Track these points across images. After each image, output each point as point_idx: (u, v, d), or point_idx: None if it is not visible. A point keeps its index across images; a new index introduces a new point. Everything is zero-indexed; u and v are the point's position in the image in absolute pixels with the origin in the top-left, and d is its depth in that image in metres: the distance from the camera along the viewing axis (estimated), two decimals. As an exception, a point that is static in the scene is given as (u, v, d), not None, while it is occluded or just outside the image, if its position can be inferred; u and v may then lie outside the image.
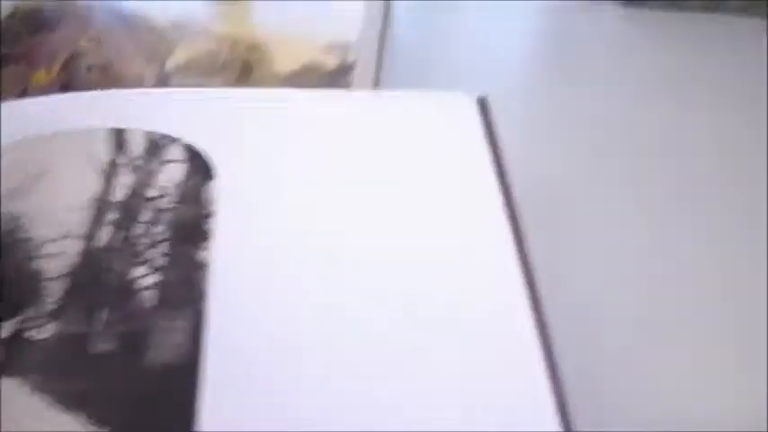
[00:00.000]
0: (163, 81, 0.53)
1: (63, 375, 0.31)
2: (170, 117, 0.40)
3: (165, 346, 0.32)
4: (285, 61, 0.53)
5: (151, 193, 0.37)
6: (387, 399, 0.31)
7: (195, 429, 0.29)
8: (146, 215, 0.36)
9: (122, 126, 0.40)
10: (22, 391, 0.31)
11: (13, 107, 0.43)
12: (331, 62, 0.53)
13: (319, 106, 0.42)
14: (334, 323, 0.33)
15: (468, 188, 0.38)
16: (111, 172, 0.38)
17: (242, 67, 0.54)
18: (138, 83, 0.54)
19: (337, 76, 0.52)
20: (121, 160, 0.39)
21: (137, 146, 0.39)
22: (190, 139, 0.39)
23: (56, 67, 0.56)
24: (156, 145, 0.39)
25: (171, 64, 0.56)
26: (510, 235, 0.36)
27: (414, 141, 0.40)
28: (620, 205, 0.45)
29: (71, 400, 0.30)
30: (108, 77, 0.55)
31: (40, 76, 0.54)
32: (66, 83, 0.54)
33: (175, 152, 0.39)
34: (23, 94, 0.53)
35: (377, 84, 0.52)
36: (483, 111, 0.42)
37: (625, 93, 0.52)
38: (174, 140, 0.39)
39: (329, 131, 0.41)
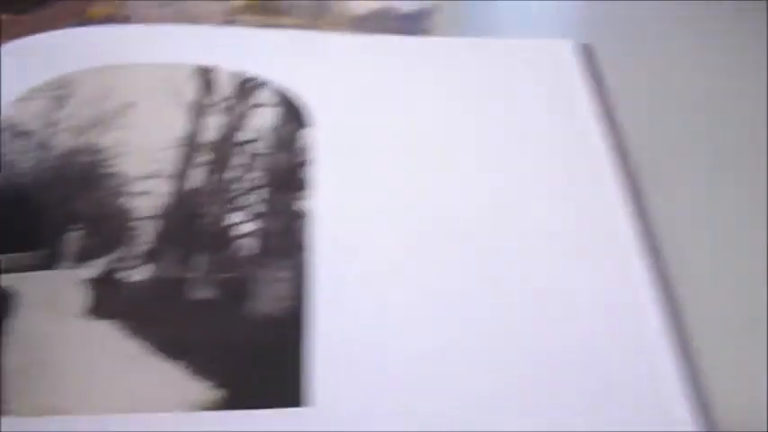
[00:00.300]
0: (229, 20, 0.51)
1: (162, 321, 0.29)
2: (260, 57, 0.38)
3: (267, 297, 0.30)
4: (359, 3, 0.51)
5: (243, 136, 0.35)
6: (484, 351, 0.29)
7: (305, 383, 0.28)
8: (239, 159, 0.34)
9: (208, 63, 0.38)
10: (118, 335, 0.29)
11: (83, 34, 0.40)
12: (406, 6, 0.51)
13: (416, 53, 0.40)
14: (439, 275, 0.31)
15: (578, 139, 0.36)
16: (199, 111, 0.36)
17: (315, 8, 0.52)
18: (201, 20, 0.51)
19: (413, 20, 0.50)
20: (209, 100, 0.36)
21: (224, 86, 0.37)
22: (281, 82, 0.37)
23: (115, 1, 0.53)
24: (246, 86, 0.37)
25: (238, 2, 0.53)
26: (626, 196, 0.34)
27: (519, 90, 0.38)
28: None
29: (171, 348, 0.28)
30: (169, 14, 0.52)
31: (98, 9, 0.52)
32: (126, 17, 0.52)
33: (267, 95, 0.37)
34: (82, 26, 0.51)
35: (455, 29, 0.50)
36: (588, 58, 0.40)
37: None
38: (264, 83, 0.37)
39: (429, 80, 0.38)
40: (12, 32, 0.43)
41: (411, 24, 0.51)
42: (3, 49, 0.39)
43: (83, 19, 0.51)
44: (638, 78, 0.42)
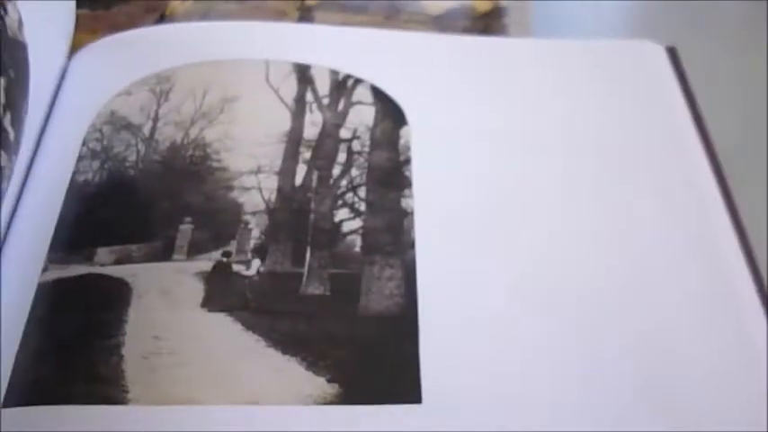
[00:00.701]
0: (304, 16, 0.52)
1: (276, 315, 0.30)
2: (352, 56, 0.38)
3: (377, 295, 0.30)
4: (433, 3, 0.52)
5: (343, 134, 0.36)
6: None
7: (415, 380, 0.28)
8: (341, 157, 0.35)
9: (303, 61, 0.38)
10: (233, 327, 0.29)
11: (179, 30, 0.41)
12: (483, 5, 0.51)
13: (499, 53, 0.40)
14: (539, 266, 0.32)
15: (670, 140, 0.36)
16: (299, 108, 0.36)
17: (390, 6, 0.52)
18: (277, 17, 0.52)
19: (490, 19, 0.50)
20: (309, 97, 0.37)
21: (323, 83, 0.37)
22: (375, 81, 0.38)
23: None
24: (343, 85, 0.37)
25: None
26: (718, 192, 0.34)
27: (607, 91, 0.38)
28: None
29: (287, 342, 0.29)
30: (245, 10, 0.53)
31: (176, 5, 0.52)
32: (203, 13, 0.52)
33: (363, 94, 0.37)
34: (160, 21, 0.51)
35: (530, 29, 0.50)
36: (674, 60, 0.40)
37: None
38: (360, 81, 0.37)
39: (519, 80, 0.39)
40: (88, 28, 0.44)
41: (485, 23, 0.51)
42: (101, 43, 0.40)
43: (161, 15, 0.52)
44: (715, 78, 0.42)
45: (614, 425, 0.27)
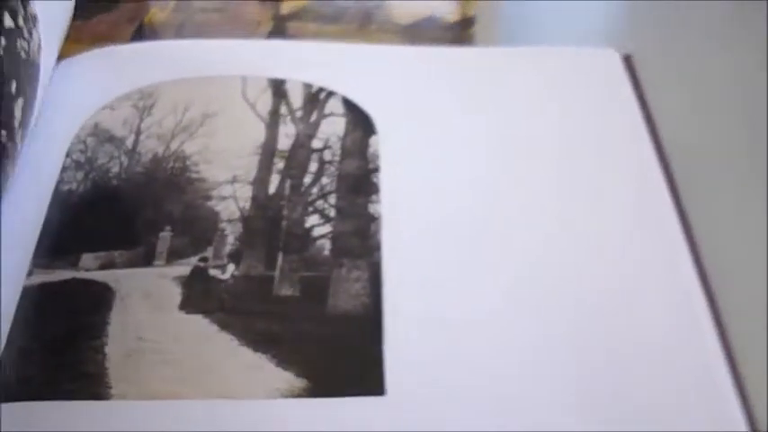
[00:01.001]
0: (279, 26, 0.54)
1: (250, 316, 0.32)
2: (325, 70, 0.41)
3: (344, 295, 0.33)
4: (404, 12, 0.53)
5: (315, 144, 0.38)
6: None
7: (379, 374, 0.30)
8: (312, 166, 0.37)
9: (278, 76, 0.40)
10: (210, 328, 0.31)
11: (161, 47, 0.43)
12: (452, 15, 0.53)
13: (466, 63, 0.42)
14: (503, 270, 0.34)
15: (625, 148, 0.38)
16: (274, 121, 0.39)
17: (362, 16, 0.54)
18: (252, 26, 0.54)
19: (457, 30, 0.52)
20: (283, 110, 0.39)
21: (296, 97, 0.40)
22: (346, 93, 0.40)
23: (169, 7, 0.56)
24: (315, 97, 0.40)
25: (286, 9, 0.56)
26: (673, 205, 0.36)
27: (567, 98, 0.40)
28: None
29: (259, 341, 0.31)
30: (222, 19, 0.55)
31: (155, 13, 0.54)
32: (181, 23, 0.54)
33: (335, 106, 0.39)
34: (139, 30, 0.53)
35: (495, 38, 0.52)
36: (629, 67, 0.42)
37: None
38: (332, 94, 0.40)
39: (478, 88, 0.41)
40: (71, 38, 0.46)
41: (454, 33, 0.53)
42: (86, 56, 0.42)
43: (140, 22, 0.54)
44: (670, 84, 0.44)
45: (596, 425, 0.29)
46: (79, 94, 0.40)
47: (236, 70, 0.41)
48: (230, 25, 0.54)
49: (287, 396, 0.30)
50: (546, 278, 0.33)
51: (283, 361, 0.31)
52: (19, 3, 0.35)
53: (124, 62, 0.41)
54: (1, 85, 0.32)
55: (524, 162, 0.38)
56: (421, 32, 0.53)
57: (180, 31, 0.51)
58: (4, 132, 0.32)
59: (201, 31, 0.50)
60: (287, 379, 0.30)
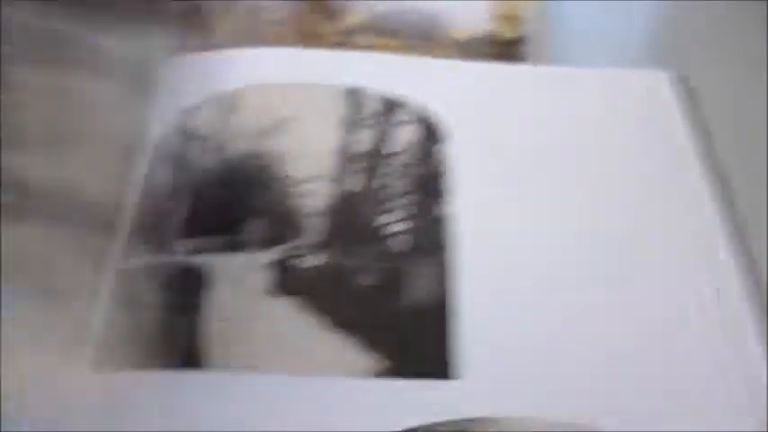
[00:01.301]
0: (340, 40, 0.56)
1: (334, 301, 0.35)
2: (395, 80, 0.44)
3: (417, 288, 0.35)
4: (462, 29, 0.56)
5: (389, 149, 0.40)
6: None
7: (452, 360, 0.33)
8: (386, 169, 0.40)
9: (357, 85, 0.43)
10: (298, 311, 0.34)
11: (243, 55, 0.46)
12: (507, 32, 0.56)
13: (526, 79, 0.45)
14: (562, 267, 0.36)
15: (676, 168, 0.41)
16: (350, 127, 0.41)
17: (421, 31, 0.57)
18: (315, 39, 0.57)
19: (512, 47, 0.55)
20: (359, 117, 0.42)
21: (371, 104, 0.42)
22: (417, 102, 0.43)
23: (237, 20, 0.59)
24: (390, 106, 0.42)
25: (348, 23, 0.58)
26: (723, 223, 0.39)
27: (620, 119, 0.43)
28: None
29: (341, 325, 0.34)
30: (291, 31, 0.58)
31: (228, 26, 0.57)
32: (247, 36, 0.57)
33: (406, 114, 0.42)
34: (209, 43, 0.56)
35: (550, 57, 0.55)
36: (685, 89, 0.44)
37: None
38: (404, 103, 0.42)
39: (542, 104, 0.44)
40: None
41: (509, 50, 0.56)
42: (184, 60, 0.45)
43: (211, 36, 0.57)
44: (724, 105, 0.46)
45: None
46: (174, 92, 0.43)
47: (312, 78, 0.44)
48: (297, 38, 0.57)
49: (369, 377, 0.32)
50: (613, 281, 0.36)
51: (365, 344, 0.33)
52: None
53: (210, 68, 0.44)
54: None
55: (584, 174, 0.40)
56: (477, 48, 0.55)
57: (246, 44, 0.54)
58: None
59: (267, 44, 0.53)
60: (368, 361, 0.33)
